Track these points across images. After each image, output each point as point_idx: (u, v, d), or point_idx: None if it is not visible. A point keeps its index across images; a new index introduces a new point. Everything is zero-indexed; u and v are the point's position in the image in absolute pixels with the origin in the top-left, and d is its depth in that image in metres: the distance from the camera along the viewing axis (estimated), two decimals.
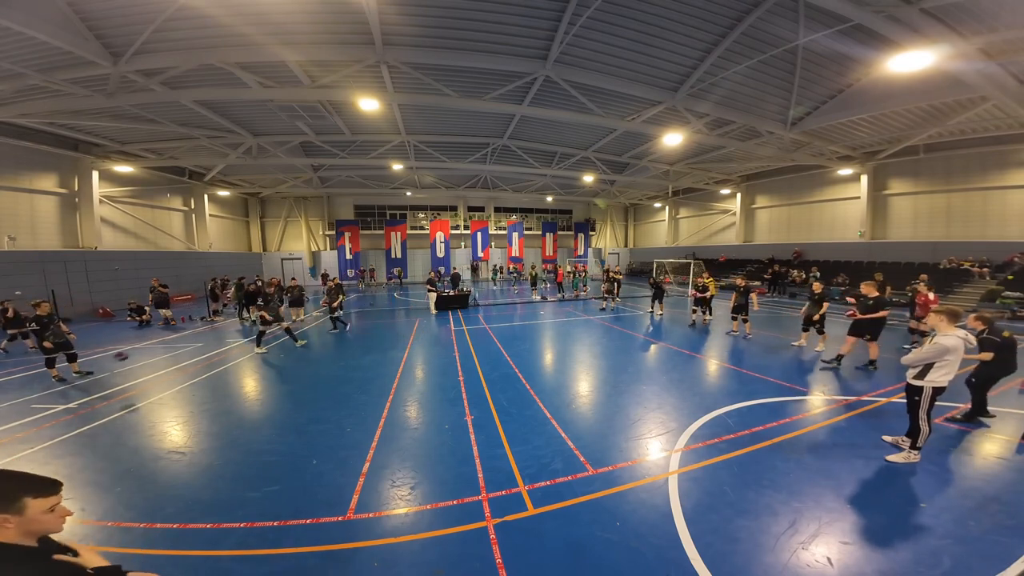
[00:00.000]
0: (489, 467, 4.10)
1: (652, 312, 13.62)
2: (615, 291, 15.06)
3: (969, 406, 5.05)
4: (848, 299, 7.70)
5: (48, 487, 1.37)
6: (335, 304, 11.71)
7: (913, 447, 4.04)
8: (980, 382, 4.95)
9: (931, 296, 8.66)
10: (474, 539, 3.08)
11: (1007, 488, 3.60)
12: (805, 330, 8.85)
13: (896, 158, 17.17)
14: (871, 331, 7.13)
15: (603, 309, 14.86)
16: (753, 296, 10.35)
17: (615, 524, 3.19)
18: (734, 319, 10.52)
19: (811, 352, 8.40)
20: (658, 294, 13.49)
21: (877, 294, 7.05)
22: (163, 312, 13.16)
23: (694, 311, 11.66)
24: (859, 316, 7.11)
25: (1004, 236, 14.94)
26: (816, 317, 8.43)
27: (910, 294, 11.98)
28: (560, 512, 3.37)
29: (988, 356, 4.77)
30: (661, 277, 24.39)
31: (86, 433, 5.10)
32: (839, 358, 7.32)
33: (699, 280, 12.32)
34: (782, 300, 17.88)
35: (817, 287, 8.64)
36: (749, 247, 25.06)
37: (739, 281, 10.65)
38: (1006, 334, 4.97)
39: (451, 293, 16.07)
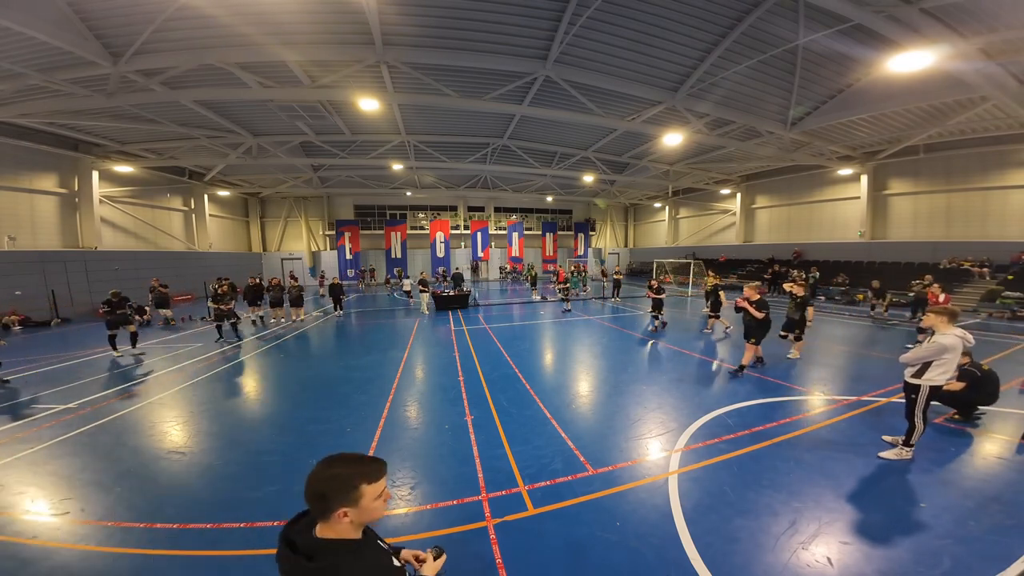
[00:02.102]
0: (489, 467, 4.10)
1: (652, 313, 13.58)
2: (616, 292, 14.97)
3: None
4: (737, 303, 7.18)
5: (378, 469, 1.22)
6: (226, 308, 10.55)
7: (906, 444, 4.06)
8: (959, 405, 4.99)
9: (941, 297, 8.63)
10: (474, 539, 3.08)
11: (1007, 488, 3.60)
12: (784, 336, 8.22)
13: (896, 158, 17.17)
14: (756, 335, 6.94)
15: (567, 311, 14.37)
16: (721, 294, 10.61)
17: (615, 524, 3.19)
18: (711, 318, 10.77)
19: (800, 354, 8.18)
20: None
21: (759, 296, 6.93)
22: (163, 312, 13.19)
23: (654, 315, 10.99)
24: (752, 313, 6.86)
25: (1004, 236, 14.94)
26: (810, 322, 7.90)
27: (911, 295, 12.06)
28: (560, 512, 3.37)
29: (959, 386, 4.78)
30: (661, 277, 24.41)
31: (86, 433, 5.10)
32: (742, 368, 6.95)
33: (652, 281, 11.57)
34: (782, 300, 17.85)
35: (800, 289, 8.06)
36: (749, 247, 25.07)
37: (710, 279, 11.16)
38: (985, 367, 4.99)
39: (452, 293, 16.07)
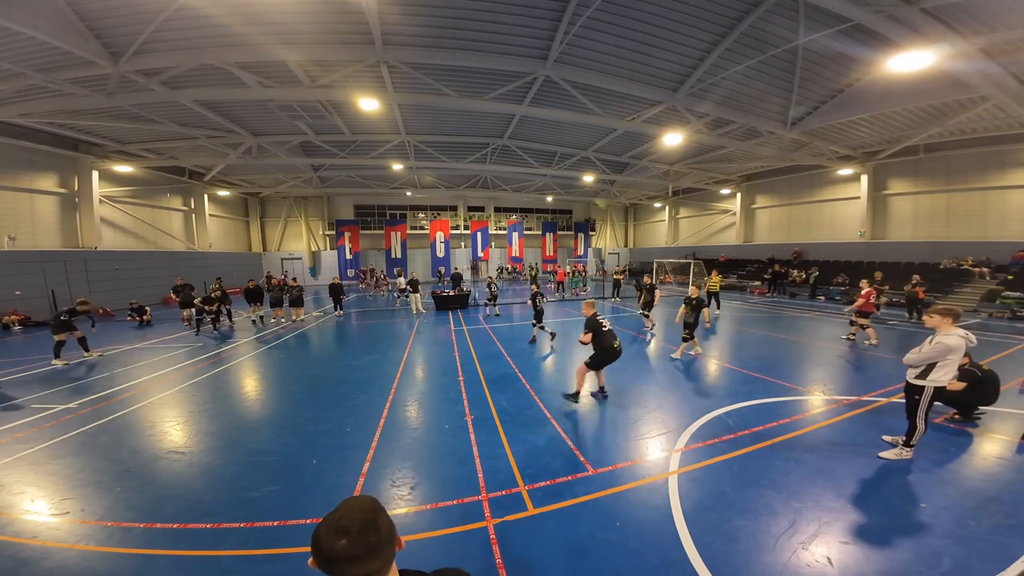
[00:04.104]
0: (489, 467, 4.09)
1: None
2: (615, 292, 14.64)
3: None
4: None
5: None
6: (212, 309, 11.55)
7: (907, 444, 4.07)
8: (960, 404, 5.00)
9: (865, 290, 9.22)
10: (474, 539, 3.08)
11: (1007, 488, 3.60)
12: (687, 339, 8.03)
13: (896, 158, 17.17)
14: (595, 361, 5.67)
15: (488, 316, 12.88)
16: (657, 292, 10.71)
17: (615, 524, 3.19)
18: (646, 317, 10.75)
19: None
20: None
21: (592, 312, 5.74)
22: (186, 312, 13.07)
23: (535, 324, 9.71)
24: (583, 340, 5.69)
25: (1004, 236, 14.93)
26: (691, 320, 7.88)
27: (906, 295, 12.11)
28: (560, 512, 3.37)
29: (960, 386, 4.79)
30: (661, 277, 24.40)
31: (86, 433, 5.10)
32: (577, 395, 5.71)
33: (533, 285, 10.34)
34: (782, 300, 17.88)
35: (694, 292, 8.14)
36: (749, 247, 25.06)
37: (646, 279, 11.26)
38: (985, 367, 5.00)
39: (451, 293, 16.05)
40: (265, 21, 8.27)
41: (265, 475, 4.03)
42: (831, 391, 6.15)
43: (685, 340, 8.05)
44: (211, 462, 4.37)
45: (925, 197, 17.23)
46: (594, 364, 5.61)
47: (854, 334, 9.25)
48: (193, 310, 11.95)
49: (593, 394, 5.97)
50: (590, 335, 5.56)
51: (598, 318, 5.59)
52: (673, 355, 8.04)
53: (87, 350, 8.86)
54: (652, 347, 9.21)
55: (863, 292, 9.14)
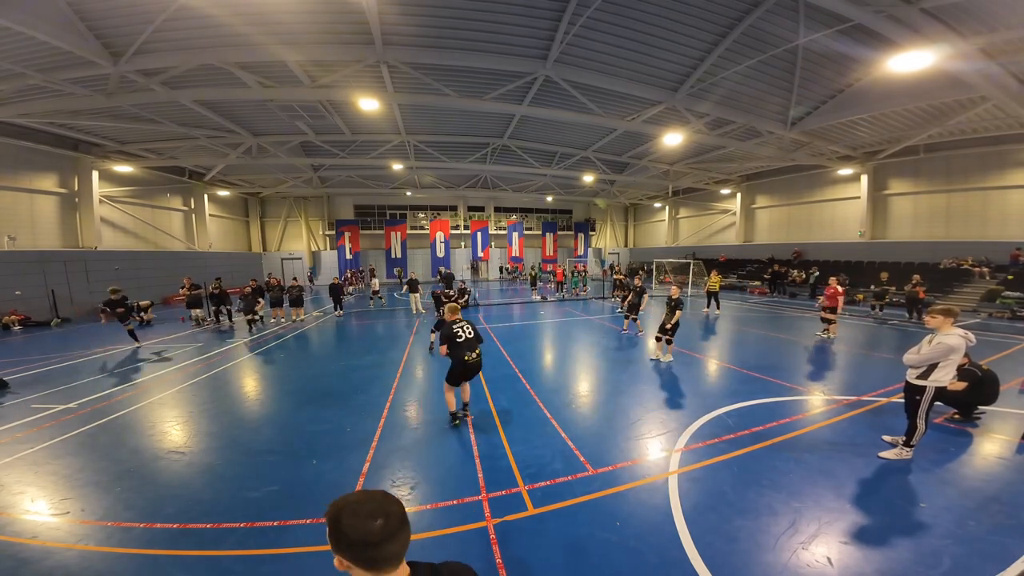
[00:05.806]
0: (489, 467, 4.09)
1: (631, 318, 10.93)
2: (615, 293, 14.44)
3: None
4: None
5: None
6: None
7: (907, 444, 4.07)
8: (960, 404, 5.01)
9: (838, 289, 9.66)
10: (474, 539, 3.08)
11: (1007, 488, 3.60)
12: (659, 339, 7.85)
13: (896, 158, 17.18)
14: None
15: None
16: (645, 297, 10.67)
17: (615, 524, 3.19)
18: (626, 317, 10.68)
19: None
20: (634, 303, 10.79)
21: (454, 317, 5.05)
22: (195, 312, 13.01)
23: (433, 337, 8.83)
24: None
25: (1004, 236, 14.94)
26: (670, 325, 7.57)
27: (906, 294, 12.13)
28: (560, 512, 3.37)
29: (961, 386, 4.81)
30: (661, 277, 24.39)
31: (86, 433, 5.10)
32: (465, 406, 5.30)
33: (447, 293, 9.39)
34: (782, 300, 17.88)
35: (675, 292, 7.79)
36: (749, 247, 25.07)
37: (636, 281, 11.15)
38: (985, 367, 5.02)
39: (450, 293, 16.03)
40: (265, 21, 8.27)
41: (265, 475, 4.03)
42: (831, 391, 6.15)
43: (658, 340, 7.82)
44: (211, 462, 4.37)
45: (925, 197, 17.24)
46: (451, 379, 4.88)
47: (827, 330, 9.61)
48: (194, 312, 11.99)
49: (455, 413, 5.10)
50: (444, 347, 4.82)
51: (454, 329, 4.85)
52: (660, 357, 7.83)
53: (136, 339, 10.04)
54: (650, 347, 9.21)
55: (839, 290, 9.59)
